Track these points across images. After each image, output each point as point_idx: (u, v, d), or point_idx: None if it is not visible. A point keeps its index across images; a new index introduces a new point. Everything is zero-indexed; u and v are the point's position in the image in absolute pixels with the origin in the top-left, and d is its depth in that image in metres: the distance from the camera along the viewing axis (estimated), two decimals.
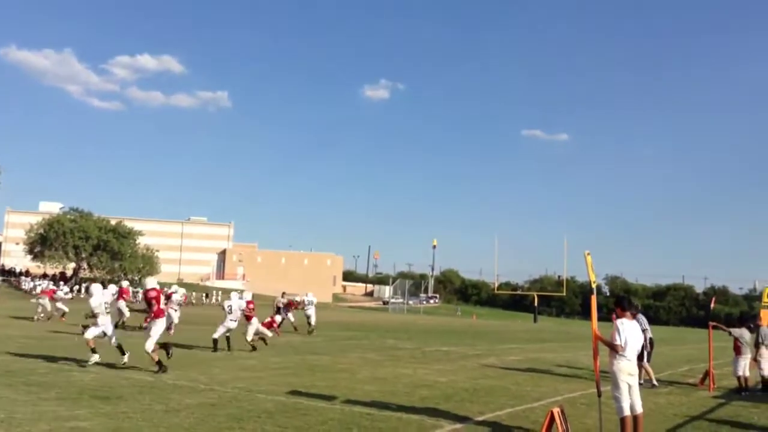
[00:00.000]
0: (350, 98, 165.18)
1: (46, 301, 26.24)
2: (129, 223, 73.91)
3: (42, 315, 25.91)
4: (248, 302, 17.75)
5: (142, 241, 72.75)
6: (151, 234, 79.92)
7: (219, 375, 11.96)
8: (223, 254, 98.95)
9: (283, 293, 28.17)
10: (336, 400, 9.74)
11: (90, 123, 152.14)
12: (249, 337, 17.43)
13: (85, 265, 69.86)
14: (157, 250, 74.48)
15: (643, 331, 12.97)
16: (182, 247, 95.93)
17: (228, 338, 16.84)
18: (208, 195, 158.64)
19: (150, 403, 8.72)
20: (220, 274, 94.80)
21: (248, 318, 17.63)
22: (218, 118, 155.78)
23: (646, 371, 13.21)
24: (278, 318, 24.39)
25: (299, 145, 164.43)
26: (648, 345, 13.35)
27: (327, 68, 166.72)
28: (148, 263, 71.83)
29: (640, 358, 12.93)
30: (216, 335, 16.91)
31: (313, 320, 25.71)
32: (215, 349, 16.59)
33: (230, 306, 17.06)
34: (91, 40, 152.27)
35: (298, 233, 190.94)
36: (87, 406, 8.32)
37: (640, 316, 13.09)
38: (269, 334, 22.73)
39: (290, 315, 25.56)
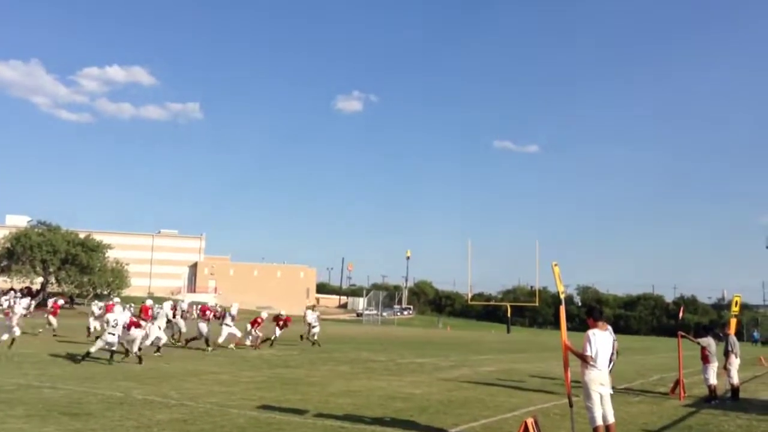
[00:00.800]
0: (323, 110, 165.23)
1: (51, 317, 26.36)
2: (98, 237, 72.83)
3: (45, 330, 25.78)
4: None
5: (111, 254, 71.73)
6: (121, 247, 78.86)
7: (191, 390, 11.81)
8: (194, 267, 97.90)
9: (314, 306, 28.91)
10: (309, 414, 9.67)
11: (58, 135, 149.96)
12: (135, 348, 16.56)
13: (53, 280, 68.64)
14: (127, 264, 73.50)
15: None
16: (152, 261, 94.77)
17: (112, 353, 16.19)
18: (179, 208, 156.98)
19: (120, 420, 8.57)
20: (192, 287, 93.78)
21: (128, 327, 16.55)
22: (189, 130, 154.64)
23: None
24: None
25: (271, 157, 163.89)
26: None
27: (299, 80, 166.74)
28: (118, 277, 70.85)
29: None
30: (93, 349, 16.25)
31: (316, 335, 26.94)
32: (83, 358, 15.92)
33: (116, 320, 16.26)
34: (60, 51, 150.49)
35: (270, 246, 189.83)
36: (55, 423, 8.15)
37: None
38: (231, 346, 22.63)
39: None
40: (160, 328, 19.32)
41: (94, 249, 69.36)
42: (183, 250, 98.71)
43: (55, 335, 25.02)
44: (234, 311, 23.09)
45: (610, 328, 13.03)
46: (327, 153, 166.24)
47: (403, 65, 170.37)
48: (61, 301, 29.68)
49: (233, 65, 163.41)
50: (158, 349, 18.83)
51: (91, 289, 68.97)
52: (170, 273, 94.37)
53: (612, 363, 13.23)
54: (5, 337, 19.14)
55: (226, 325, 22.48)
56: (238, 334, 22.78)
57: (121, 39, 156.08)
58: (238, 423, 8.70)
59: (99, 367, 15.11)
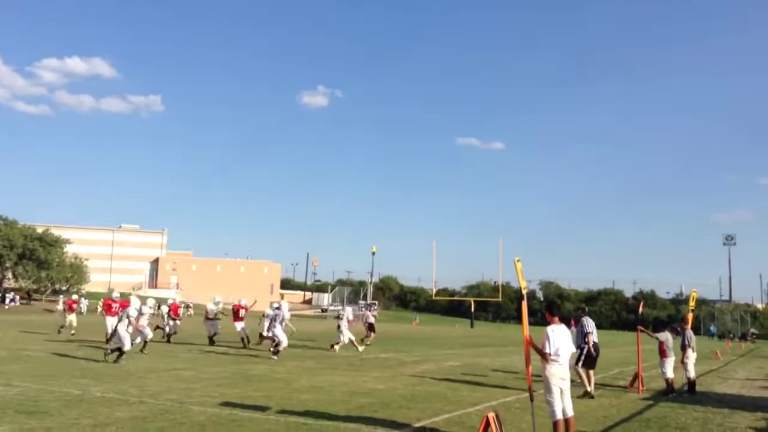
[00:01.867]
0: (288, 104, 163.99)
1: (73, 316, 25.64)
2: (56, 231, 71.40)
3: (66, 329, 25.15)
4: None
5: (70, 249, 70.39)
6: (80, 242, 77.41)
7: (151, 387, 11.64)
8: (156, 263, 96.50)
9: (371, 306, 28.58)
10: (271, 410, 9.62)
11: (15, 127, 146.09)
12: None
13: (9, 275, 67.09)
14: (87, 259, 72.17)
15: (587, 334, 13.10)
16: (113, 256, 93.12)
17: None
18: (140, 202, 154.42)
19: (78, 418, 8.41)
20: (153, 282, 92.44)
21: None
22: (151, 123, 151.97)
23: (581, 377, 12.72)
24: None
25: (235, 151, 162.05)
26: (593, 350, 12.95)
27: (264, 74, 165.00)
28: (77, 272, 69.58)
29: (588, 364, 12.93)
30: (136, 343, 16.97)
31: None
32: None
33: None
34: (18, 42, 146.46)
35: (234, 241, 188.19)
36: (11, 422, 7.96)
37: (587, 319, 13.26)
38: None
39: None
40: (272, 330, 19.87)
41: (53, 244, 67.99)
42: (144, 245, 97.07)
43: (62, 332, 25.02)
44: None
45: (590, 320, 13.04)
46: (292, 148, 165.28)
47: (368, 60, 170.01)
48: (75, 296, 28.81)
49: (196, 58, 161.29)
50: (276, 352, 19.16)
51: (49, 285, 67.66)
52: (131, 268, 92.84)
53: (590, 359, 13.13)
54: (138, 340, 17.94)
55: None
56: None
57: (82, 30, 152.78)
58: (199, 420, 8.60)
59: (57, 365, 14.82)
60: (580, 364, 12.86)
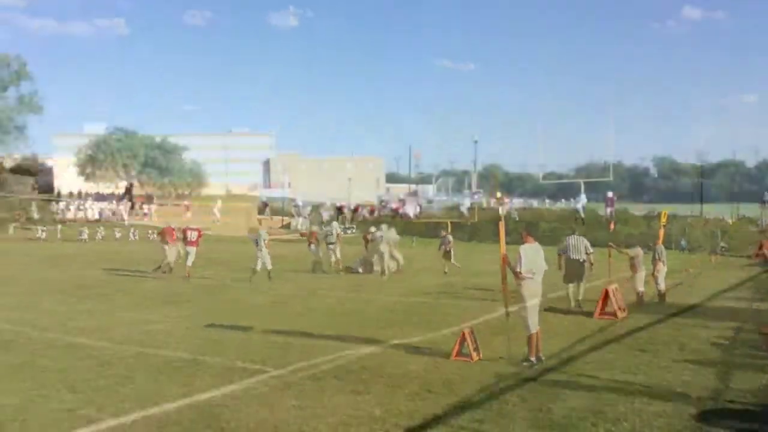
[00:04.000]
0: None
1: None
2: (173, 140, 73.60)
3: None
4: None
5: (187, 155, 73.49)
6: (195, 148, 79.99)
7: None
8: (267, 164, 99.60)
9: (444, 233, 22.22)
10: (255, 329, 10.63)
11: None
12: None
13: (136, 183, 71.01)
14: (203, 164, 75.19)
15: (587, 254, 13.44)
16: (227, 159, 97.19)
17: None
18: (248, 106, 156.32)
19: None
20: (267, 183, 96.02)
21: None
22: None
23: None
24: None
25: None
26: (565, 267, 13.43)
27: None
28: (196, 177, 72.56)
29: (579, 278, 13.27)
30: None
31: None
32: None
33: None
34: None
35: (336, 139, 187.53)
36: None
37: (580, 238, 13.53)
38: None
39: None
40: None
41: (171, 151, 70.00)
42: (255, 147, 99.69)
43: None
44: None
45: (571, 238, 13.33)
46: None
47: None
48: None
49: None
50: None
51: (172, 191, 71.07)
52: (245, 170, 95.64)
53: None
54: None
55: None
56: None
57: None
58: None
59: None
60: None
